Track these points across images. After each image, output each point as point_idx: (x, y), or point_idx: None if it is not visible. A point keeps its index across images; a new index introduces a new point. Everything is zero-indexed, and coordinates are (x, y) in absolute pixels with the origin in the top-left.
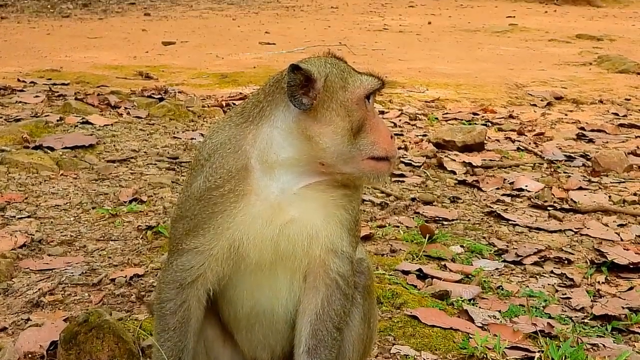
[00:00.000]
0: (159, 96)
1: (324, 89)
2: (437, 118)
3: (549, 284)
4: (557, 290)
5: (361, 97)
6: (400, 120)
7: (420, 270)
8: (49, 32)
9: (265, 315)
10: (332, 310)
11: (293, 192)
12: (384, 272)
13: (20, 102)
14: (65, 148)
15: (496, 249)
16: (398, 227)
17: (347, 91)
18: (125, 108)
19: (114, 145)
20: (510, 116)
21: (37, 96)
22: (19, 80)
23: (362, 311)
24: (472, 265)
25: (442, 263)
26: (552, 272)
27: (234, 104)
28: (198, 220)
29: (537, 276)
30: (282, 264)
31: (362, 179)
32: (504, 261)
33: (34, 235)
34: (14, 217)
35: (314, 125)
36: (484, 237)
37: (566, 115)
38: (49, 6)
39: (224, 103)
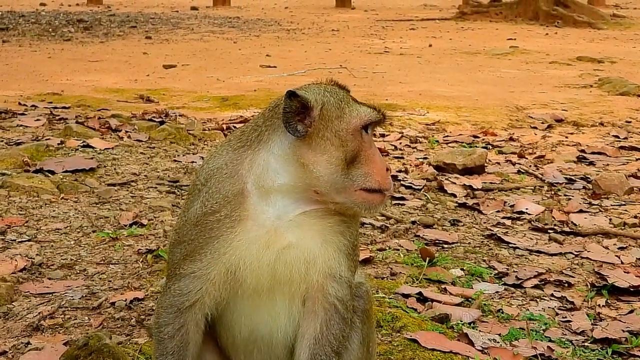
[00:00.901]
0: (160, 119)
1: (319, 117)
2: (437, 141)
3: (549, 307)
4: (557, 314)
5: (357, 128)
6: (400, 143)
7: (420, 293)
8: (50, 55)
9: (264, 340)
10: (330, 334)
11: (289, 219)
12: (384, 295)
13: (21, 125)
14: (66, 172)
15: (496, 272)
16: (398, 250)
17: (343, 121)
18: (126, 131)
19: (115, 169)
20: (511, 139)
21: (38, 119)
22: (20, 103)
23: (361, 335)
24: (472, 288)
25: (442, 286)
26: (552, 295)
27: (235, 127)
28: (195, 245)
29: (538, 299)
30: (280, 288)
31: (354, 209)
32: (504, 284)
33: (34, 259)
34: (15, 240)
35: (308, 153)
36: (484, 260)
37: (567, 137)
38: (50, 30)
39: (224, 126)
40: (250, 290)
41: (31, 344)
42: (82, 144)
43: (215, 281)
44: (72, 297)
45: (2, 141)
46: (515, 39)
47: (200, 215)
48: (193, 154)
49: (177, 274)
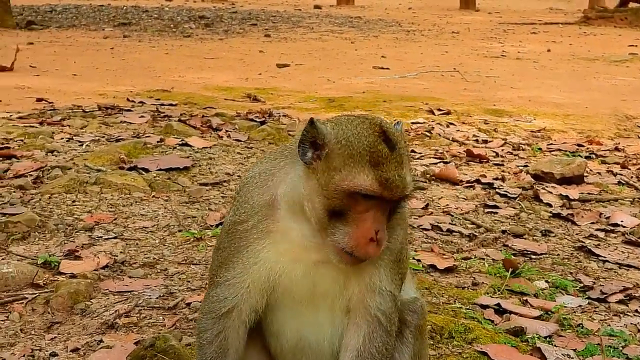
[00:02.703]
0: (262, 120)
1: (325, 157)
2: (540, 148)
3: (631, 323)
4: (639, 330)
5: (345, 191)
6: (502, 150)
7: (498, 304)
8: (167, 51)
9: (311, 349)
10: (373, 347)
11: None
12: (460, 305)
13: (125, 122)
14: (160, 170)
15: (582, 285)
16: (484, 259)
17: (338, 176)
18: (226, 131)
19: (209, 168)
20: (616, 148)
21: (142, 116)
22: (128, 99)
23: (413, 350)
24: (554, 301)
25: (524, 298)
26: (636, 311)
27: None
28: (228, 254)
29: (621, 315)
30: (320, 300)
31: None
32: (588, 298)
33: (117, 256)
34: (101, 237)
35: (309, 182)
36: (570, 273)
37: None
38: (171, 26)
39: None
40: (289, 300)
41: (103, 342)
42: (180, 142)
43: (250, 289)
44: (149, 296)
45: (103, 137)
46: (636, 46)
47: (231, 223)
48: None
49: (214, 281)
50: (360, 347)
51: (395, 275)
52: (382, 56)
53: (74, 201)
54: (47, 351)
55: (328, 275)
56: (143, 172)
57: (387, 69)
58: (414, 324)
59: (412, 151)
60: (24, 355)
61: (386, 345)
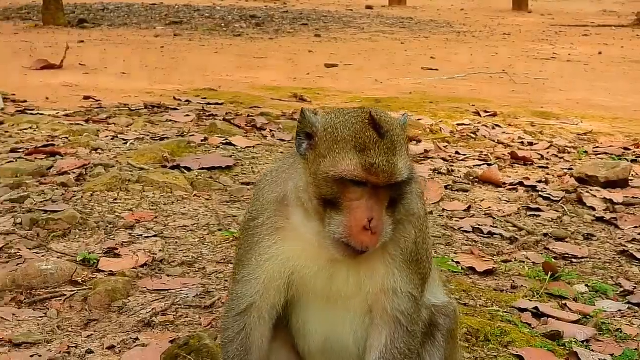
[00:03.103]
0: None
1: (314, 146)
2: (586, 152)
3: None
4: None
5: (332, 177)
6: (548, 152)
7: (536, 308)
8: (217, 50)
9: (338, 350)
10: (395, 348)
11: None
12: (498, 309)
13: (170, 120)
14: (202, 169)
15: (622, 290)
16: (524, 262)
17: (325, 163)
18: (271, 130)
19: (252, 168)
20: None
21: (187, 115)
22: (174, 98)
23: (444, 354)
24: (593, 305)
25: (563, 302)
26: None
27: None
28: (244, 251)
29: None
30: (339, 299)
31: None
32: (628, 303)
33: (156, 254)
34: (141, 235)
35: (305, 174)
36: (611, 277)
37: None
38: (222, 25)
39: None
40: (308, 298)
41: (139, 340)
42: (224, 142)
43: (265, 286)
44: (186, 294)
45: (148, 135)
46: None
47: (245, 221)
48: None
49: (234, 279)
50: (382, 348)
51: (413, 275)
52: (432, 57)
53: (115, 199)
54: (83, 348)
55: (341, 274)
56: (185, 171)
57: (436, 70)
58: (446, 328)
59: (456, 153)
60: (60, 352)
61: (409, 346)
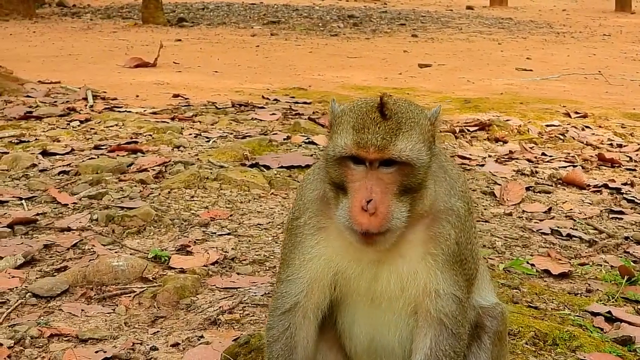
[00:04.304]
0: None
1: (329, 133)
2: None
3: None
4: None
5: (332, 157)
6: (637, 154)
7: (609, 312)
8: (311, 50)
9: (384, 351)
10: (439, 351)
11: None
12: (569, 312)
13: (255, 119)
14: (281, 167)
15: None
16: (601, 266)
17: (328, 147)
18: None
19: None
20: None
21: (273, 114)
22: (263, 97)
23: (491, 356)
24: None
25: (639, 307)
26: None
27: (468, 130)
28: (288, 250)
29: None
30: (384, 301)
31: None
32: None
33: (228, 252)
34: (215, 233)
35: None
36: None
37: None
38: (320, 24)
39: (456, 129)
40: (353, 299)
41: (204, 338)
42: (306, 140)
43: (310, 286)
44: (254, 293)
45: (231, 134)
46: None
47: (288, 220)
48: None
49: (279, 278)
50: (427, 350)
51: (457, 276)
52: (527, 58)
53: (192, 197)
54: (147, 345)
55: (383, 274)
56: (264, 169)
57: (530, 70)
58: (492, 330)
59: (542, 154)
60: (124, 349)
61: (454, 348)
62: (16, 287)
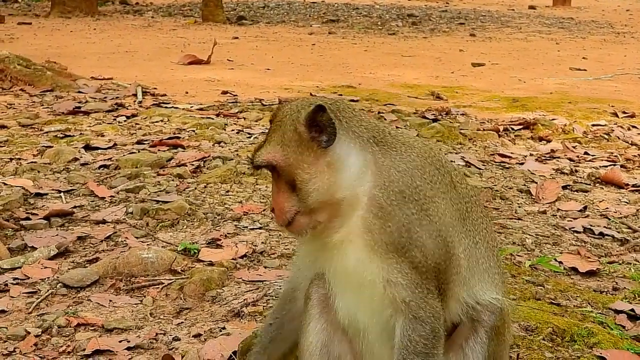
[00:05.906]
0: (433, 117)
1: None
2: None
3: None
4: None
5: None
6: None
7: (633, 310)
8: (366, 48)
9: (367, 333)
10: (408, 337)
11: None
12: (591, 309)
13: None
14: None
15: None
16: (630, 264)
17: None
18: (397, 127)
19: None
20: None
21: None
22: (311, 94)
23: (487, 350)
24: None
25: None
26: None
27: (512, 129)
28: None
29: None
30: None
31: None
32: None
33: (257, 246)
34: (246, 227)
35: None
36: None
37: None
38: (378, 23)
39: (501, 128)
40: (338, 289)
41: (225, 329)
42: None
43: (302, 265)
44: (279, 286)
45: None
46: None
47: None
48: (456, 153)
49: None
50: (399, 338)
51: (399, 264)
52: (583, 57)
53: (227, 191)
54: (170, 335)
55: (342, 266)
56: None
57: (584, 70)
58: (489, 324)
59: (585, 153)
60: (147, 339)
61: (419, 332)
62: (48, 278)
